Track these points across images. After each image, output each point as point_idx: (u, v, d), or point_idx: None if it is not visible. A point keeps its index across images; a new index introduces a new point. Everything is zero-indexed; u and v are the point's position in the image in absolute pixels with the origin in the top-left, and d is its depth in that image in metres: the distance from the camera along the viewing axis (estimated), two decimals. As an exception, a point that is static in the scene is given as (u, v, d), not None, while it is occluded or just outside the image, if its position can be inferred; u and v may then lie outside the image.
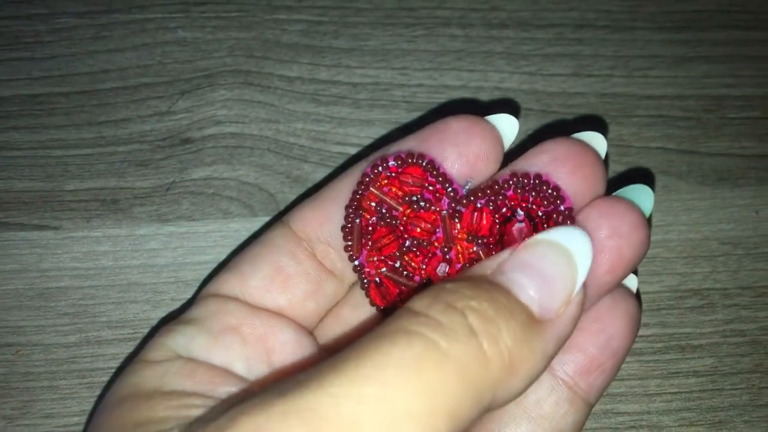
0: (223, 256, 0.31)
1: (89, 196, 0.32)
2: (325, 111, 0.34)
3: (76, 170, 0.32)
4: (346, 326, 0.27)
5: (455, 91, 0.35)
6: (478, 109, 0.34)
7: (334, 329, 0.27)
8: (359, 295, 0.27)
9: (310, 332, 0.27)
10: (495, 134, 0.26)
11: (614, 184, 0.27)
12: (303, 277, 0.26)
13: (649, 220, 0.26)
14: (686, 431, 0.30)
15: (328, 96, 0.34)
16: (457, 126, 0.26)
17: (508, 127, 0.27)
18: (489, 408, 0.20)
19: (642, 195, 0.27)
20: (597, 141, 0.26)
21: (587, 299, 0.23)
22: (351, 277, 0.27)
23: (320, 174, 0.33)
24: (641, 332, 0.31)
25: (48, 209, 0.32)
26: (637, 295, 0.27)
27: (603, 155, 0.26)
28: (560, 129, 0.34)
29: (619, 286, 0.26)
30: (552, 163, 0.25)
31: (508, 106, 0.34)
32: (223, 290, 0.26)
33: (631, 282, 0.27)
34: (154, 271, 0.31)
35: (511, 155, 0.27)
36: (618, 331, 0.26)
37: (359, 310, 0.27)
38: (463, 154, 0.26)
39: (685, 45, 0.36)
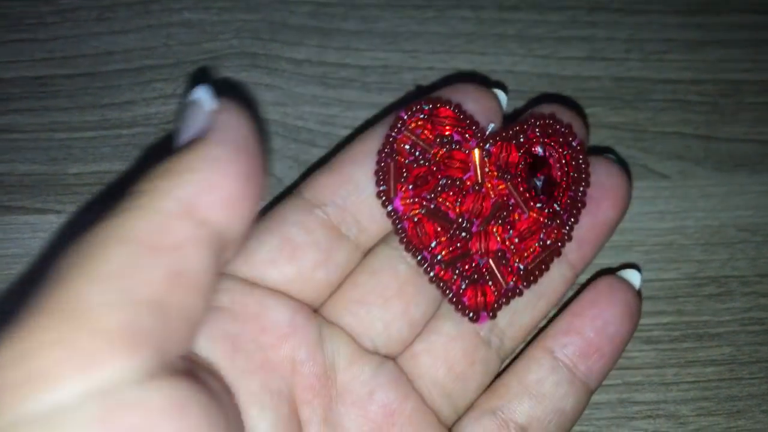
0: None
1: (93, 180, 0.31)
2: (333, 94, 0.33)
3: (79, 153, 0.32)
4: (364, 293, 0.27)
5: (466, 74, 0.34)
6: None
7: (352, 296, 0.27)
8: (375, 261, 0.27)
9: (315, 309, 0.27)
10: (496, 96, 0.29)
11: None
12: (312, 247, 0.26)
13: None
14: (704, 421, 0.30)
15: (337, 79, 0.33)
16: (470, 86, 0.28)
17: (501, 100, 0.29)
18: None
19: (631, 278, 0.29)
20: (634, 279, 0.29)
21: None
22: (366, 242, 0.27)
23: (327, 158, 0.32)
24: (658, 320, 0.31)
25: (51, 193, 0.31)
26: (639, 292, 0.29)
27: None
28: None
29: (619, 278, 0.28)
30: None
31: (498, 85, 0.33)
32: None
33: (634, 278, 0.29)
34: (159, 256, 0.30)
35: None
36: (615, 318, 0.27)
37: (376, 276, 0.27)
38: (481, 105, 0.28)
39: (701, 29, 0.35)
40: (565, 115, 0.28)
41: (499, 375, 0.28)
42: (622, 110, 0.33)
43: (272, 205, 0.31)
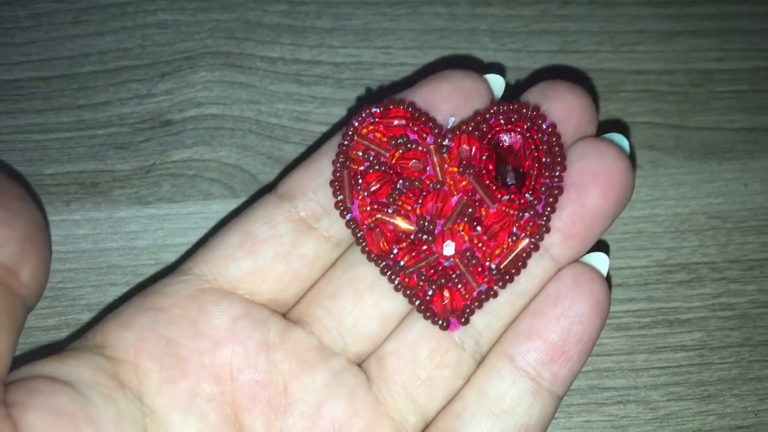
0: (203, 238, 0.31)
1: (69, 180, 0.32)
2: (307, 91, 0.34)
3: (55, 154, 0.32)
4: (337, 286, 0.26)
5: (439, 70, 0.34)
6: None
7: (326, 291, 0.26)
8: (353, 254, 0.27)
9: (286, 305, 0.27)
10: (485, 81, 0.27)
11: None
12: (273, 240, 0.26)
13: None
14: (674, 406, 0.30)
15: (311, 76, 0.34)
16: (452, 72, 0.27)
17: (496, 83, 0.27)
18: None
19: (621, 141, 0.27)
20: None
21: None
22: (338, 234, 0.27)
23: (302, 154, 0.32)
24: (628, 307, 0.31)
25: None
26: (608, 278, 0.26)
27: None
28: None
29: (586, 266, 0.26)
30: (537, 97, 0.26)
31: (496, 68, 0.34)
32: (185, 267, 0.26)
33: (601, 263, 0.26)
34: (134, 253, 0.31)
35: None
36: (582, 316, 0.25)
37: (351, 269, 0.26)
38: (459, 88, 0.26)
39: (672, 19, 0.35)
40: (562, 90, 0.26)
41: None
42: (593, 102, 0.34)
43: (248, 202, 0.32)
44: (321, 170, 0.26)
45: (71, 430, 0.22)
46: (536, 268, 0.26)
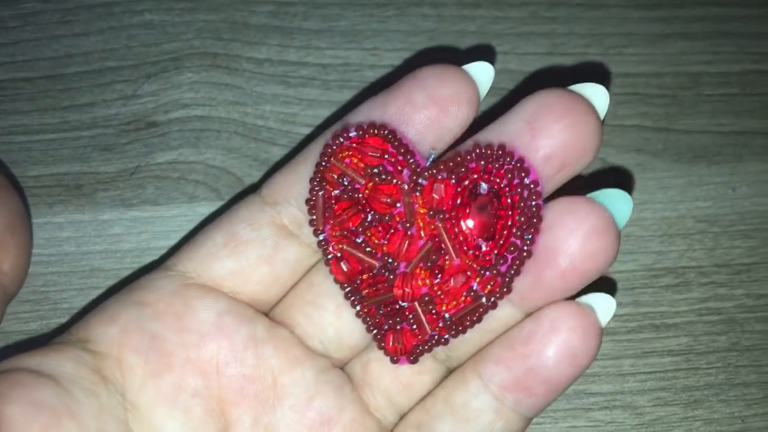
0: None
1: (52, 182, 0.31)
2: (294, 93, 0.33)
3: (39, 156, 0.32)
4: (317, 294, 0.26)
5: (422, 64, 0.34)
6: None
7: (306, 296, 0.27)
8: None
9: (265, 306, 0.27)
10: (467, 77, 0.24)
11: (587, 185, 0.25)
12: (257, 242, 0.26)
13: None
14: (661, 411, 0.30)
15: (298, 78, 0.34)
16: (427, 72, 0.24)
17: (482, 73, 0.25)
18: None
19: (619, 201, 0.24)
20: (595, 92, 0.24)
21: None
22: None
23: (289, 157, 0.32)
24: (615, 311, 0.31)
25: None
26: (599, 328, 0.24)
27: (602, 106, 0.24)
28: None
29: (575, 309, 0.24)
30: (538, 112, 0.23)
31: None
32: (170, 263, 0.26)
33: (602, 307, 0.24)
34: (117, 256, 0.31)
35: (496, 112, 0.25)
36: (547, 362, 0.24)
37: (331, 278, 0.26)
38: (433, 97, 0.24)
39: (661, 22, 0.35)
40: (553, 114, 0.23)
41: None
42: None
43: (232, 202, 0.31)
44: (303, 176, 0.26)
45: (52, 424, 0.22)
46: (499, 311, 0.25)
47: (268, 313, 0.27)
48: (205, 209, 0.31)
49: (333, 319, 0.26)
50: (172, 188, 0.32)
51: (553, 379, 0.24)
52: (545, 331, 0.24)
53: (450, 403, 0.25)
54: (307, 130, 0.33)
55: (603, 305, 0.24)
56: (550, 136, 0.23)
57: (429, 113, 0.24)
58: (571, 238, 0.23)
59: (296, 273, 0.27)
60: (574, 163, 0.24)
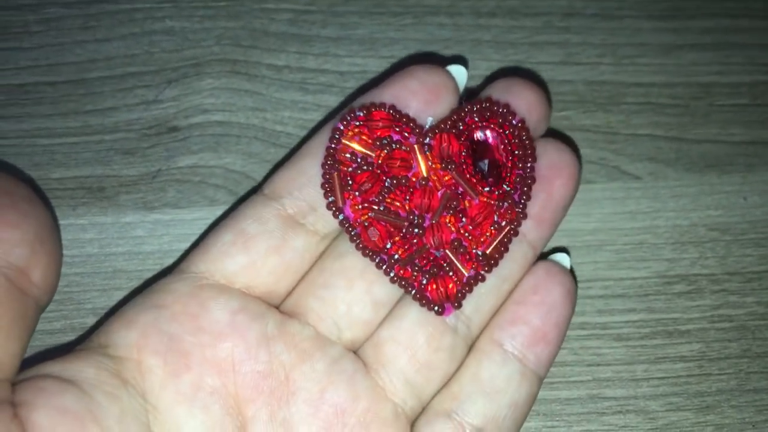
0: (208, 243, 0.31)
1: (75, 184, 0.32)
2: (312, 99, 0.34)
3: (62, 158, 0.32)
4: (328, 276, 0.27)
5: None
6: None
7: (317, 281, 0.27)
8: (341, 245, 0.28)
9: (277, 297, 0.27)
10: (448, 72, 0.29)
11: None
12: (265, 235, 0.27)
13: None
14: (673, 416, 0.30)
15: (316, 84, 0.34)
16: (418, 67, 0.29)
17: (458, 74, 0.29)
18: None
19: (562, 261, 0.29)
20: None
21: None
22: (325, 228, 0.28)
23: (285, 157, 0.33)
24: (628, 318, 0.31)
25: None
26: (572, 272, 0.29)
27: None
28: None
29: (553, 263, 0.29)
30: (510, 84, 0.29)
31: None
32: (183, 266, 0.27)
33: (565, 260, 0.29)
34: (139, 258, 0.31)
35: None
36: (557, 302, 0.28)
37: (341, 259, 0.28)
38: (425, 84, 0.28)
39: (673, 33, 0.36)
40: (522, 87, 0.29)
41: None
42: (594, 113, 0.34)
43: (236, 204, 0.32)
44: (303, 170, 0.28)
45: (76, 429, 0.23)
46: (516, 253, 0.28)
47: (280, 305, 0.28)
48: (225, 213, 0.32)
49: (343, 294, 0.27)
50: (193, 192, 0.32)
51: (561, 320, 0.28)
52: (546, 279, 0.28)
53: (478, 380, 0.27)
54: (325, 136, 0.33)
55: (565, 258, 0.29)
56: (526, 96, 0.29)
57: (423, 96, 0.28)
58: (561, 158, 0.29)
59: (305, 261, 0.28)
60: (542, 119, 0.29)
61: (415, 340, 0.27)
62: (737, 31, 0.36)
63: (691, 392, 0.31)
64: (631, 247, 0.32)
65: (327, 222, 0.28)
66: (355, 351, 0.28)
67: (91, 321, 0.30)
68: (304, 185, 0.28)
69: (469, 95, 0.30)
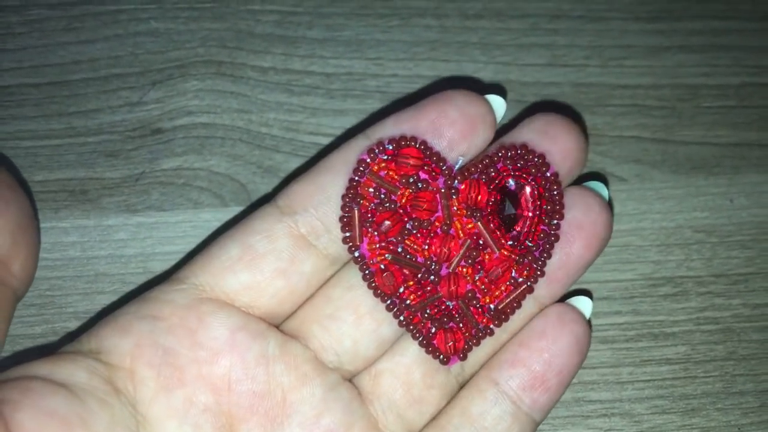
0: (192, 247, 0.31)
1: (58, 187, 0.32)
2: (298, 101, 0.34)
3: (45, 161, 0.32)
4: (336, 308, 0.27)
5: (429, 81, 0.34)
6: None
7: (324, 310, 0.27)
8: (352, 275, 0.27)
9: (278, 319, 0.27)
10: (489, 104, 0.27)
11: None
12: (273, 255, 0.26)
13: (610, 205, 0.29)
14: (658, 419, 0.30)
15: (302, 86, 0.34)
16: (457, 94, 0.27)
17: (497, 105, 0.28)
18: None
19: (599, 189, 0.29)
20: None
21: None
22: (338, 252, 0.27)
23: (292, 164, 0.33)
24: (614, 320, 0.31)
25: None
26: (588, 322, 0.28)
27: None
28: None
29: (570, 307, 0.27)
30: (548, 124, 0.27)
31: (497, 88, 0.34)
32: (182, 275, 0.26)
33: (585, 306, 0.28)
34: (122, 261, 0.31)
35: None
36: (563, 351, 0.27)
37: (352, 292, 0.27)
38: (465, 113, 0.26)
39: (660, 35, 0.36)
40: (561, 131, 0.27)
41: None
42: (581, 115, 0.34)
43: (246, 211, 0.32)
44: (323, 186, 0.27)
45: None
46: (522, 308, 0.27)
47: (281, 324, 0.27)
48: (210, 216, 0.32)
49: (351, 330, 0.26)
50: (177, 194, 0.32)
51: (565, 369, 0.27)
52: (555, 324, 0.27)
53: (467, 415, 0.26)
54: (310, 138, 0.33)
55: (586, 303, 0.28)
56: (563, 142, 0.27)
57: (460, 127, 0.26)
58: (587, 216, 0.27)
59: (312, 286, 0.27)
60: (576, 165, 0.28)
61: (411, 376, 0.27)
62: (724, 33, 0.36)
63: (677, 395, 0.31)
64: (617, 249, 0.32)
65: (340, 246, 0.27)
66: (351, 379, 0.27)
67: (73, 325, 0.30)
68: (321, 203, 0.26)
69: (501, 129, 0.28)
